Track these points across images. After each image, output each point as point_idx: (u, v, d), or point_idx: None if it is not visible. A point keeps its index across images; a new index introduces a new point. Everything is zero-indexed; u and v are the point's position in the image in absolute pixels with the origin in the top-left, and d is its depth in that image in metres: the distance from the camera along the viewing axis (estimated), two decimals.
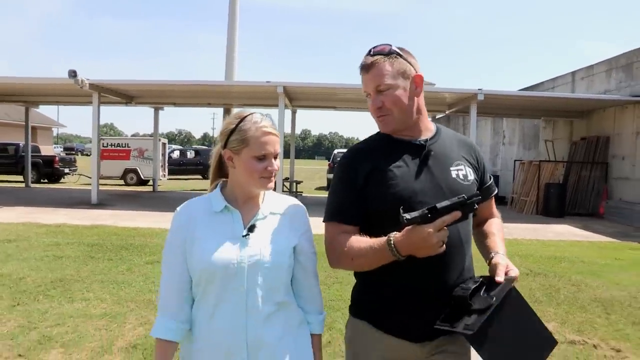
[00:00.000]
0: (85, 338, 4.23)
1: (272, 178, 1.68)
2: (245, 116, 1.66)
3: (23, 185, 20.55)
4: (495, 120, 24.01)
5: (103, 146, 22.29)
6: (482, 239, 1.88)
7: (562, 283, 6.69)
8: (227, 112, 18.07)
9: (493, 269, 1.65)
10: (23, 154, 22.32)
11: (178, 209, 1.73)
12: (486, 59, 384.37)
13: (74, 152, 57.77)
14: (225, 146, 1.67)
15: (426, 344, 1.70)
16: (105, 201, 14.87)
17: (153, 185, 20.35)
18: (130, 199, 16.52)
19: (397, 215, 1.48)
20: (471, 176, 1.79)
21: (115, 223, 10.66)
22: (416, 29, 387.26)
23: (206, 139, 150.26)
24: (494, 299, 1.51)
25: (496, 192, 1.97)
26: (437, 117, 23.54)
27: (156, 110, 19.76)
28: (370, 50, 1.75)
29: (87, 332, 4.37)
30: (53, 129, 44.33)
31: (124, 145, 22.86)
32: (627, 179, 14.45)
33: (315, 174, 33.84)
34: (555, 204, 15.04)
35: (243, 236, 1.63)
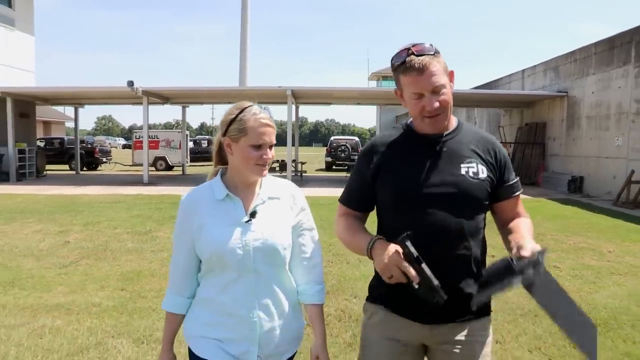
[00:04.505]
0: None
1: (267, 166, 1.78)
2: (245, 107, 1.75)
3: (72, 172, 24.84)
4: (469, 109, 28.38)
5: (135, 138, 26.55)
6: (507, 236, 1.79)
7: None
8: None
9: (518, 247, 1.58)
10: (68, 146, 26.78)
11: (183, 197, 1.85)
12: (481, 40, 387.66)
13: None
14: (225, 134, 1.77)
15: (435, 327, 1.77)
16: (153, 181, 19.18)
17: (182, 169, 24.77)
18: (169, 179, 20.81)
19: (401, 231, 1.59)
20: (483, 174, 1.78)
21: (175, 193, 14.89)
22: (403, 12, 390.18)
23: (203, 128, 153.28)
24: (537, 256, 1.50)
25: (520, 192, 1.90)
26: None
27: (184, 108, 24.03)
28: (408, 50, 1.72)
29: None
30: (66, 123, 48.55)
31: (153, 137, 26.99)
32: (557, 155, 18.77)
33: (314, 159, 37.93)
34: None
35: (245, 222, 1.76)
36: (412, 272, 1.54)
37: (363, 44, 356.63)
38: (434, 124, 1.76)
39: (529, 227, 1.80)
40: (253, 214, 1.77)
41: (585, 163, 16.66)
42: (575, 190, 16.60)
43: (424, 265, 1.54)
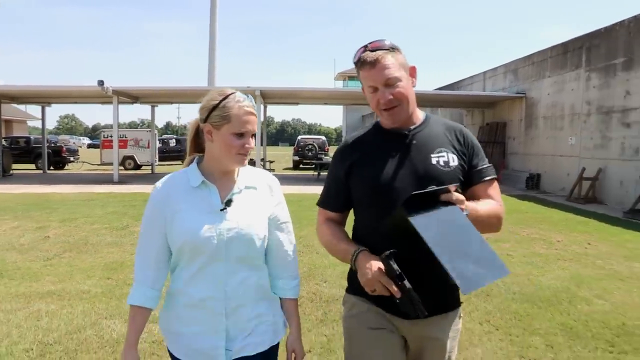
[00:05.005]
0: None
1: (247, 156, 1.75)
2: (229, 94, 1.72)
3: (39, 171, 24.72)
4: (433, 110, 29.22)
5: (104, 137, 26.53)
6: None
7: None
8: None
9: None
10: (34, 145, 26.59)
11: (157, 184, 1.79)
12: (449, 42, 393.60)
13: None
14: (206, 120, 1.72)
15: (415, 322, 1.76)
16: (123, 179, 19.32)
17: (151, 168, 24.87)
18: (139, 178, 20.97)
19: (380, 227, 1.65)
20: (454, 162, 1.81)
21: (145, 191, 15.06)
22: (373, 14, 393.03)
23: (169, 127, 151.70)
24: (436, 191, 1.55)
25: (493, 177, 1.88)
26: None
27: (153, 107, 24.16)
28: (366, 47, 1.78)
29: None
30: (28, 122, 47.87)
31: (122, 136, 26.95)
32: (516, 153, 19.63)
33: (281, 158, 38.32)
34: None
35: (221, 210, 1.72)
36: (394, 288, 1.57)
37: (330, 45, 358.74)
38: (392, 117, 1.81)
39: (489, 205, 1.79)
40: (228, 203, 1.74)
41: (542, 161, 17.53)
42: (532, 187, 17.45)
43: (406, 282, 1.56)
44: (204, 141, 1.79)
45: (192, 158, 1.84)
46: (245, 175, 1.83)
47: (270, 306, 1.85)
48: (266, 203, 1.83)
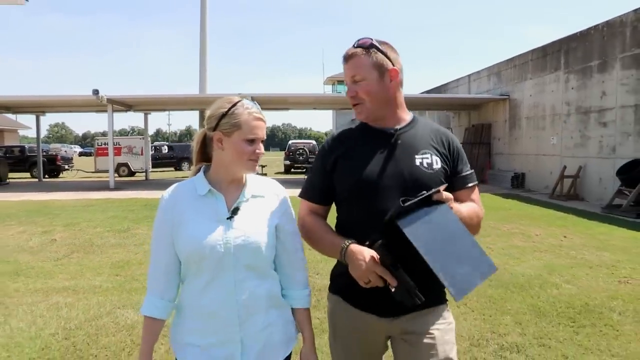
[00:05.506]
0: None
1: (258, 161, 1.75)
2: (237, 102, 1.72)
3: (34, 180, 25.07)
4: (420, 113, 29.83)
5: (98, 145, 26.92)
6: None
7: None
8: (202, 115, 23.02)
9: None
10: (29, 154, 26.95)
11: (164, 194, 1.79)
12: (437, 43, 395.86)
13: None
14: (215, 128, 1.72)
15: (393, 319, 1.81)
16: (119, 186, 19.74)
17: (146, 175, 25.26)
18: (134, 185, 21.37)
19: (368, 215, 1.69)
20: (437, 165, 1.83)
21: (141, 196, 15.58)
22: (361, 17, 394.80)
23: (159, 135, 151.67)
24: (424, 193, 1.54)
25: (474, 183, 1.93)
26: None
27: (146, 115, 24.58)
28: (355, 43, 1.84)
29: None
30: (19, 130, 48.14)
31: (115, 144, 27.31)
32: (501, 154, 20.22)
33: (273, 163, 38.80)
34: None
35: (227, 218, 1.71)
36: (390, 277, 1.56)
37: (319, 49, 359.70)
38: (358, 114, 1.89)
39: (471, 207, 1.82)
40: (235, 211, 1.72)
41: (525, 160, 18.13)
42: (517, 186, 18.03)
43: (401, 270, 1.55)
44: (210, 150, 1.80)
45: (199, 167, 1.84)
46: (252, 184, 1.83)
47: (281, 314, 1.84)
48: (273, 212, 1.82)
